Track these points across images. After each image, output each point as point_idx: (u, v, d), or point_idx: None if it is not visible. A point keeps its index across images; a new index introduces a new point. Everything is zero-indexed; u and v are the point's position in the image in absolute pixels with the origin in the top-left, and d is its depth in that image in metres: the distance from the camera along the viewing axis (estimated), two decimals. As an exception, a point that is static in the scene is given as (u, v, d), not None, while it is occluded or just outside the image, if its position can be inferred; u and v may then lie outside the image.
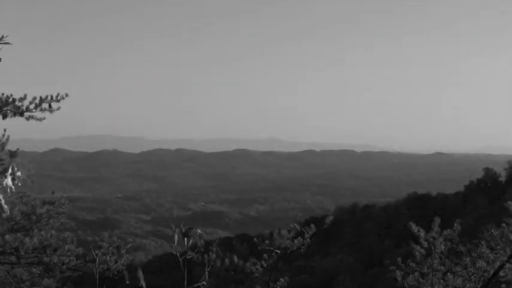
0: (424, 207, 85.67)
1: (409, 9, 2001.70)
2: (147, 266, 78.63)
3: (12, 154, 3.20)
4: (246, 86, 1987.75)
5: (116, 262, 10.87)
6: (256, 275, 10.97)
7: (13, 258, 10.99)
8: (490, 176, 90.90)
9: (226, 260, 10.95)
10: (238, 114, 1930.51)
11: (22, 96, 11.32)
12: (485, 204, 79.15)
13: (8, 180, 3.14)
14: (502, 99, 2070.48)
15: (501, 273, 10.52)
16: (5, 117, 11.39)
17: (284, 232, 11.20)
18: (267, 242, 11.11)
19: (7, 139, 11.97)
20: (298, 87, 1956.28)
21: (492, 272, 10.49)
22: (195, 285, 6.23)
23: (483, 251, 10.57)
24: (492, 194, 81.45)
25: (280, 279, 11.26)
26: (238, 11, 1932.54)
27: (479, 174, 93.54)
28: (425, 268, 10.78)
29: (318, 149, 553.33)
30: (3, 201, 3.13)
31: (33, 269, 11.40)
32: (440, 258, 10.80)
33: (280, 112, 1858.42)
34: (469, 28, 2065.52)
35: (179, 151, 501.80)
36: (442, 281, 10.61)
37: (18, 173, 3.20)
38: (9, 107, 11.28)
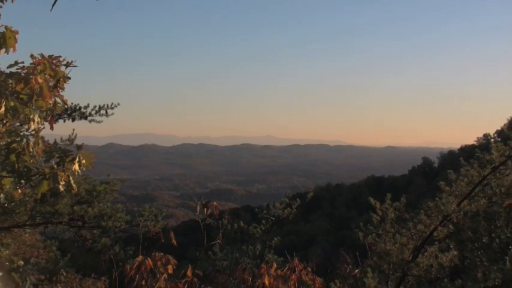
0: (379, 186, 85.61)
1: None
2: (177, 229, 78.39)
3: (79, 147, 3.24)
4: (248, 93, 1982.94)
5: (154, 226, 10.91)
6: (257, 235, 11.00)
7: (79, 223, 11.02)
8: (427, 163, 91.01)
9: (235, 225, 10.99)
10: (243, 117, 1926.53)
11: (86, 104, 11.53)
12: (424, 184, 79.01)
13: (76, 166, 3.18)
14: (440, 106, 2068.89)
15: (435, 234, 10.55)
16: (73, 120, 11.59)
17: (277, 204, 11.23)
18: (264, 211, 11.14)
19: (75, 136, 12.05)
20: (289, 95, 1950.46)
21: (428, 232, 10.53)
22: (211, 243, 6.26)
23: (422, 217, 10.60)
24: (429, 177, 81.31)
25: (274, 238, 11.28)
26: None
27: (419, 162, 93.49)
28: (380, 230, 10.81)
29: (302, 144, 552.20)
30: (72, 182, 3.17)
31: (94, 231, 11.43)
32: (391, 223, 10.83)
33: (275, 115, 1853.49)
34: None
35: (200, 145, 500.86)
36: (392, 239, 10.64)
37: (83, 161, 3.24)
38: (76, 113, 11.46)
